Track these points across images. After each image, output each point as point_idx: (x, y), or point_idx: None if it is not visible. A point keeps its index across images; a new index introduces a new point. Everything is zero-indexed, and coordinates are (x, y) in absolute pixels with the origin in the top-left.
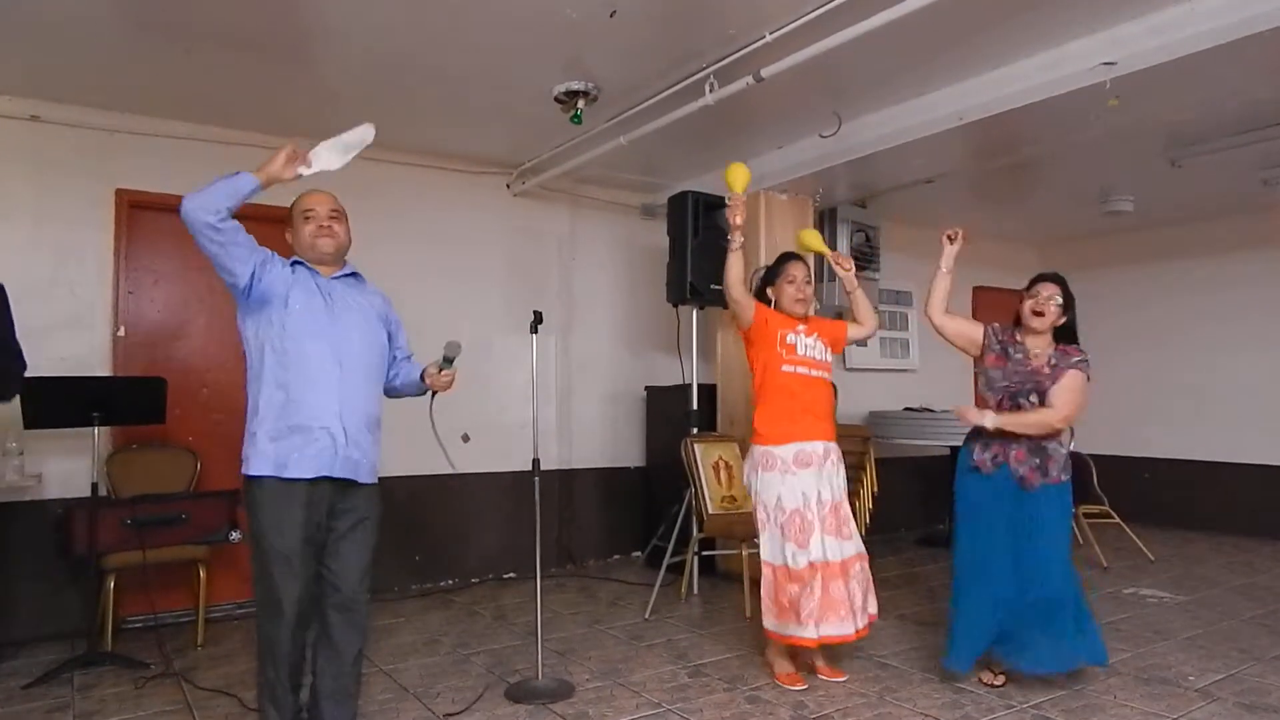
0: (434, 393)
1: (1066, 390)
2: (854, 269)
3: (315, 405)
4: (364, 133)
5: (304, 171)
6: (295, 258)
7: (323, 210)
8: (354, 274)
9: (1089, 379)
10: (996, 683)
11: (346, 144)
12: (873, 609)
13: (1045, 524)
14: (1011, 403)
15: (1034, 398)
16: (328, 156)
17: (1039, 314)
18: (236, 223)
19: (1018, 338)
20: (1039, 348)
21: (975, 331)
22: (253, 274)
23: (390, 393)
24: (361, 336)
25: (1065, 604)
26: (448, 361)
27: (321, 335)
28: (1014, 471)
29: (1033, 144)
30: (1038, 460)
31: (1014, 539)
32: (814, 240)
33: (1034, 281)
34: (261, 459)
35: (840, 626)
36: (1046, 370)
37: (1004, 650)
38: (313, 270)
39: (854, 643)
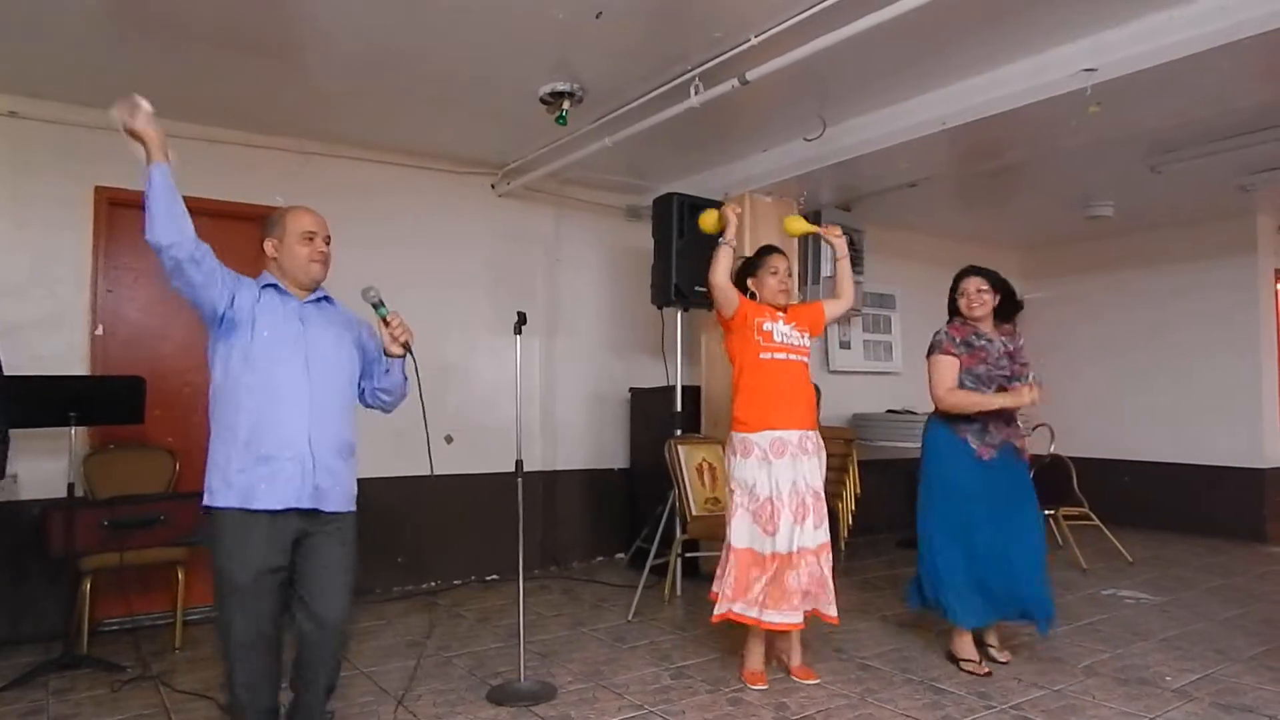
0: (409, 352)
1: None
2: (844, 237)
3: (284, 433)
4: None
5: (144, 105)
6: (268, 279)
7: (322, 233)
8: (326, 297)
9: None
10: (1003, 658)
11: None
12: (831, 611)
13: (1029, 486)
14: (1003, 387)
15: (1012, 381)
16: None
17: (972, 308)
18: (208, 247)
19: (979, 329)
20: (991, 332)
21: (955, 365)
22: (226, 305)
23: (387, 402)
24: (335, 361)
25: (1043, 553)
26: (379, 308)
27: (291, 361)
28: (1014, 447)
29: (1015, 149)
30: (1023, 431)
31: (1006, 509)
32: (800, 225)
33: (957, 280)
34: (227, 490)
35: (788, 615)
36: (1012, 352)
37: (1016, 614)
38: (285, 294)
39: (835, 644)
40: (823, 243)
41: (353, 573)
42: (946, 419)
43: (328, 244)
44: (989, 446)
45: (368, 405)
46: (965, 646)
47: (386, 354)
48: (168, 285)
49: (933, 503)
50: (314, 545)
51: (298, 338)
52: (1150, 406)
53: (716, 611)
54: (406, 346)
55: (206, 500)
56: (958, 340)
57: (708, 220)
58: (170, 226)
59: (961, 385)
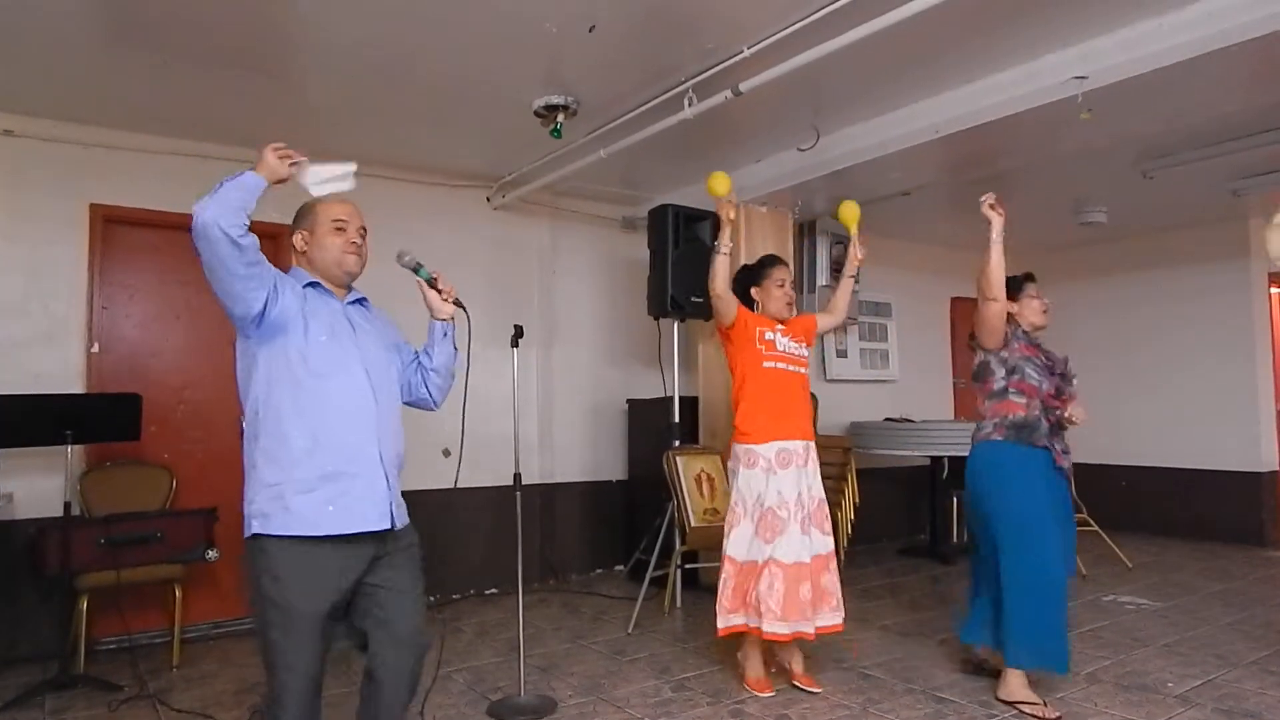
0: (462, 307)
1: None
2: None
3: (352, 447)
4: (346, 169)
5: (296, 173)
6: (307, 277)
7: (355, 223)
8: (363, 299)
9: None
10: (1051, 715)
11: (330, 175)
12: (837, 619)
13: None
14: (1060, 391)
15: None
16: (313, 174)
17: (1047, 312)
18: (256, 238)
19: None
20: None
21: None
22: (267, 300)
23: (438, 384)
24: (387, 367)
25: None
26: (420, 270)
27: (352, 368)
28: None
29: (1008, 156)
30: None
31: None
32: (854, 215)
33: (1024, 281)
34: (285, 514)
35: (801, 625)
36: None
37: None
38: (328, 293)
39: (835, 654)
40: (818, 253)
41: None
42: (1010, 434)
43: (363, 236)
44: (1064, 453)
45: (413, 402)
46: (1023, 688)
47: (435, 318)
48: (204, 275)
49: (1027, 536)
50: (385, 565)
51: (353, 341)
52: (1146, 411)
53: (720, 625)
54: (458, 302)
55: (256, 527)
56: (1021, 329)
57: (719, 185)
58: (226, 212)
59: (1020, 372)
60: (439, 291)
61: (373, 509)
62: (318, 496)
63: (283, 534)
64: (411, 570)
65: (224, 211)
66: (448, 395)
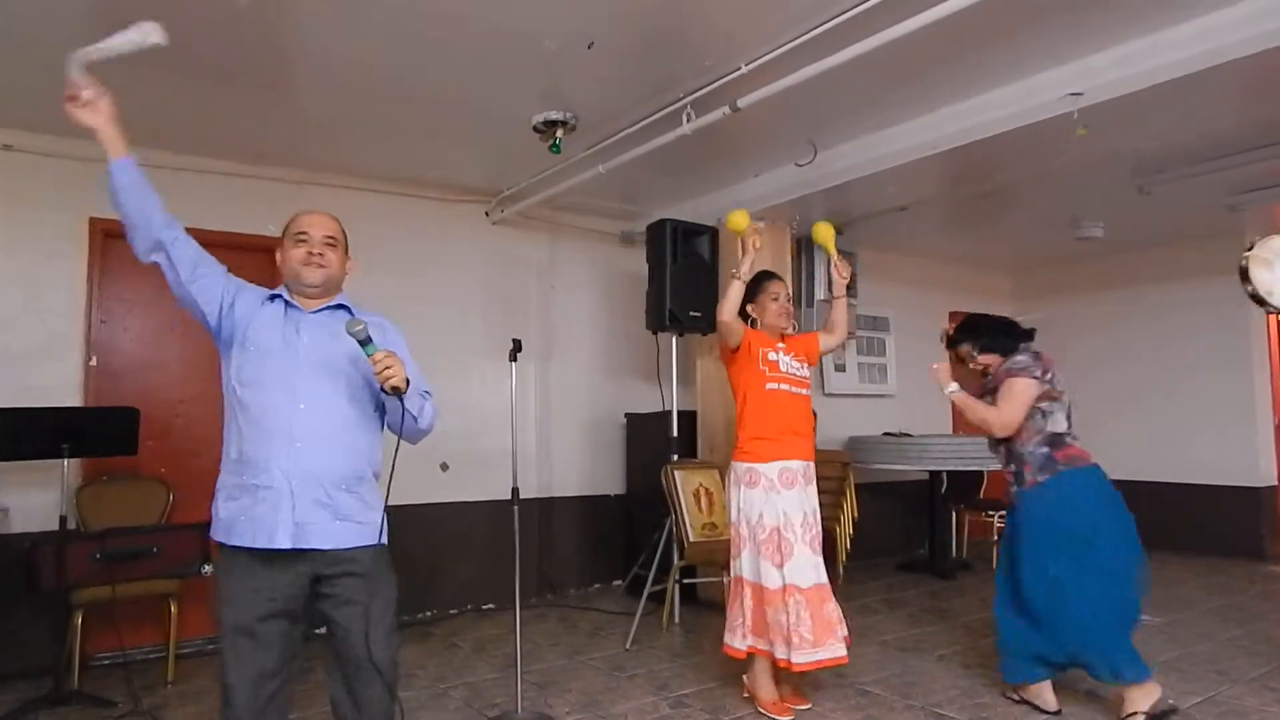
0: (399, 399)
1: (1002, 397)
2: (847, 278)
3: (264, 461)
4: (144, 32)
5: (86, 94)
6: (277, 289)
7: (317, 234)
8: (342, 305)
9: (1025, 378)
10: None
11: (119, 46)
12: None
13: (1024, 534)
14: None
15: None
16: (96, 51)
17: (984, 371)
18: (187, 241)
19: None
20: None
21: (1033, 390)
22: (220, 311)
23: (401, 434)
24: (334, 380)
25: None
26: (366, 346)
27: (279, 379)
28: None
29: (1004, 172)
30: (1013, 467)
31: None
32: (829, 236)
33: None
34: (215, 522)
35: (832, 650)
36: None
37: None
38: (291, 303)
39: (835, 668)
40: (816, 266)
41: (388, 612)
42: None
43: (330, 245)
44: (1009, 483)
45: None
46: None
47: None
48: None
49: None
50: (334, 587)
51: (289, 353)
52: (1144, 426)
53: (739, 646)
54: (395, 390)
55: (210, 529)
56: (1041, 370)
57: (738, 221)
58: (139, 231)
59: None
60: (377, 374)
61: (275, 525)
62: (236, 506)
63: (214, 538)
64: (365, 602)
65: (135, 235)
66: (426, 434)
